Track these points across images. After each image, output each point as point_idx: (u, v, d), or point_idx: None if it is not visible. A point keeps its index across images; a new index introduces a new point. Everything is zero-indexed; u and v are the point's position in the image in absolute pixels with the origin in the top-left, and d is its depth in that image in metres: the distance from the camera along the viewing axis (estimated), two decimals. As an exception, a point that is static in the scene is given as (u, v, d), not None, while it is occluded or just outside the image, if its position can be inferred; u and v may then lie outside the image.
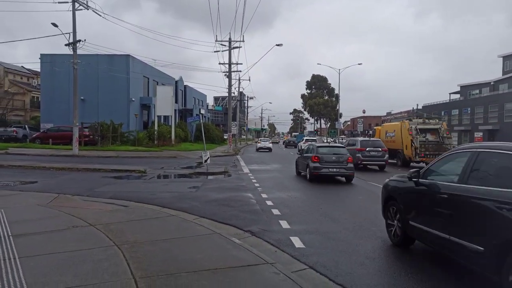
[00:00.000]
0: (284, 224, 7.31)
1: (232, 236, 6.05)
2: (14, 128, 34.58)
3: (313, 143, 19.12)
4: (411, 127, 21.67)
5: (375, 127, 33.05)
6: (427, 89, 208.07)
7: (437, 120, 24.03)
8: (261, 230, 6.81)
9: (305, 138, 50.94)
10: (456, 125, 59.13)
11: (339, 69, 50.83)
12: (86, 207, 8.43)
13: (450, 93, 69.99)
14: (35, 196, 9.64)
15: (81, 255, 4.84)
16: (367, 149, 19.66)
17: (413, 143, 21.01)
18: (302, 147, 25.36)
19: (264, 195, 10.79)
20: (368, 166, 20.22)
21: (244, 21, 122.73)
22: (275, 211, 8.53)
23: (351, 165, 14.46)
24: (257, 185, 13.14)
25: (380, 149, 19.87)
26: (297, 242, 6.08)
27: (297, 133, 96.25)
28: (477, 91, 60.82)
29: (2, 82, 48.41)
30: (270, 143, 45.51)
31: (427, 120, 23.69)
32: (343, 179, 14.80)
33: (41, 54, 36.69)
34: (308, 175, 14.62)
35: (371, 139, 22.31)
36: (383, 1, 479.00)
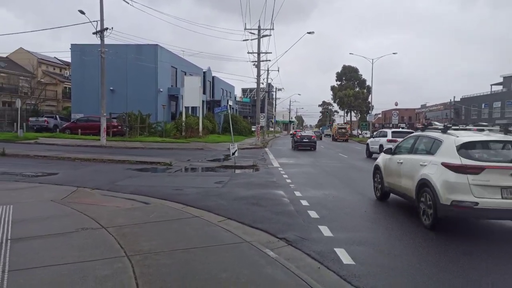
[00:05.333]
0: (325, 230, 6.22)
1: (265, 247, 5.06)
2: (46, 118, 35.02)
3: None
4: (336, 126, 64.04)
5: (333, 124, 79.37)
6: (467, 80, 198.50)
7: (347, 124, 71.69)
8: (298, 238, 5.77)
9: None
10: (498, 118, 55.46)
11: (372, 59, 48.77)
12: (103, 203, 7.68)
13: (491, 85, 65.97)
14: (52, 189, 9.04)
15: (82, 269, 3.99)
16: (302, 135, 35.37)
17: (335, 132, 56.02)
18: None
19: (297, 193, 9.73)
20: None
21: (274, 9, 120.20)
22: (312, 213, 7.46)
23: (314, 139, 30.47)
24: (288, 181, 12.07)
25: (311, 136, 33.81)
26: (344, 256, 4.99)
27: (323, 126, 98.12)
28: (523, 82, 56.83)
29: (36, 72, 49.43)
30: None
31: (343, 124, 65.55)
32: None
33: (71, 44, 36.91)
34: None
35: (306, 131, 50.82)
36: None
